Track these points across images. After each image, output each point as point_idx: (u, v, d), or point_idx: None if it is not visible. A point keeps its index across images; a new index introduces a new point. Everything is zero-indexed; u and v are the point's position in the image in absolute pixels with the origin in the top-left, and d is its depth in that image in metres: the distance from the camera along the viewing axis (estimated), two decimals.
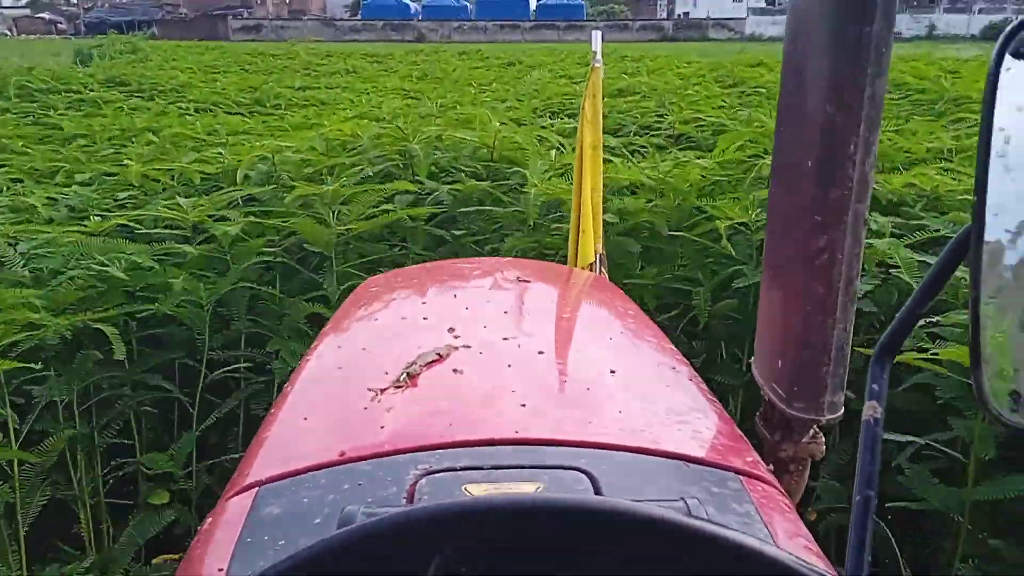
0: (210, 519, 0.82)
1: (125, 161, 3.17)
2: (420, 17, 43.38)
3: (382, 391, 0.98)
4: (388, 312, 1.39)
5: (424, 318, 1.27)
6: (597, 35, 2.31)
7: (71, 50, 15.94)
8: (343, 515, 0.67)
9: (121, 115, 5.30)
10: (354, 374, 1.09)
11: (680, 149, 4.21)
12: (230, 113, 6.15)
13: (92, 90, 6.79)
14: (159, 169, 2.98)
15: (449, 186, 3.08)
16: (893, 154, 3.33)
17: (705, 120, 4.47)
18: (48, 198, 2.94)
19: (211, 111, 6.13)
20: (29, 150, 3.70)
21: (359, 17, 45.40)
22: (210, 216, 2.63)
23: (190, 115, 5.76)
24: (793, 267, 1.13)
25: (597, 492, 0.76)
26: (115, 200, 2.79)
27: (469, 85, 8.02)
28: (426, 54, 16.23)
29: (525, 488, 0.76)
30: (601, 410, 0.97)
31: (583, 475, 0.79)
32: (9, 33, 44.75)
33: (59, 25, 48.22)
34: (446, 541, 0.48)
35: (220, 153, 3.28)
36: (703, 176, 2.97)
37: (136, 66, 10.04)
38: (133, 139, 3.90)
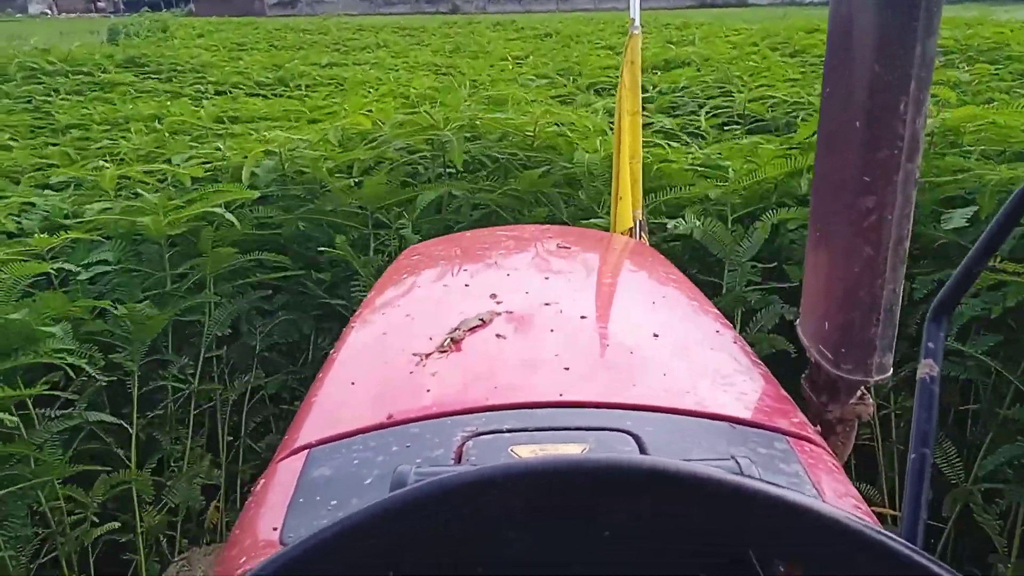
0: (263, 481, 0.83)
1: (99, 163, 2.74)
2: None
3: (427, 356, 0.99)
4: (431, 279, 1.40)
5: (466, 284, 1.27)
6: (635, 2, 2.28)
7: (107, 28, 15.70)
8: (396, 475, 0.65)
9: (129, 100, 4.91)
10: (399, 339, 1.09)
11: (749, 131, 3.68)
12: (252, 94, 5.74)
13: (106, 72, 6.41)
14: (146, 171, 2.54)
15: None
16: (1016, 134, 2.76)
17: (777, 97, 3.90)
18: (25, 203, 2.54)
19: (230, 93, 5.70)
20: (14, 143, 3.29)
21: None
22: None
23: (208, 97, 5.35)
24: (841, 227, 1.11)
25: (643, 453, 0.75)
26: (82, 209, 2.36)
27: (504, 60, 7.48)
28: (459, 26, 15.66)
29: (571, 450, 0.76)
30: (645, 372, 0.97)
31: (628, 436, 0.79)
32: (50, 12, 45.01)
33: (98, 3, 48.37)
34: (523, 499, 0.47)
35: (218, 148, 2.83)
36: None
37: (160, 45, 9.67)
38: (135, 129, 3.47)
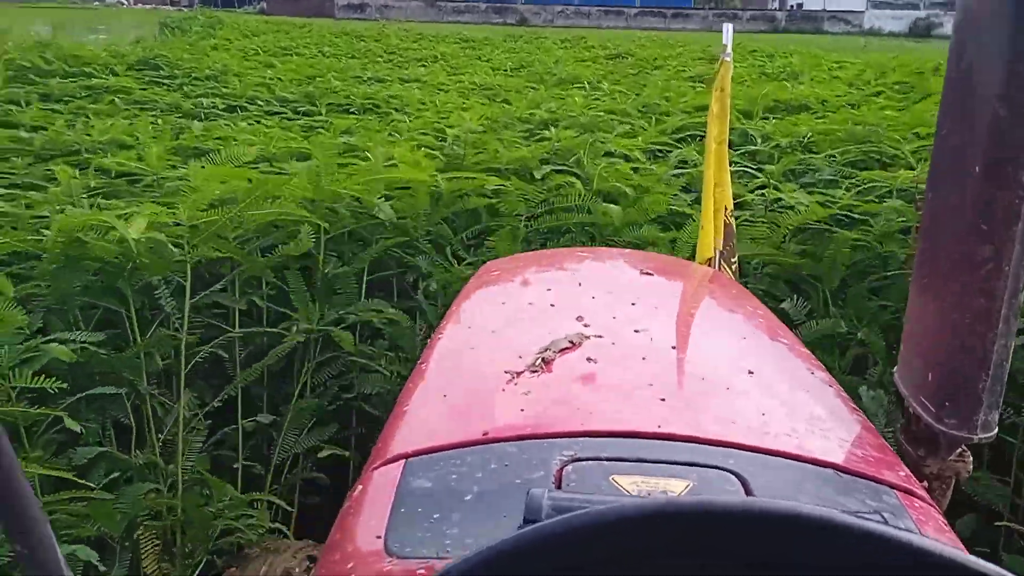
0: (359, 487, 0.83)
1: None
2: (524, 0, 42.01)
3: (518, 374, 0.98)
4: (514, 296, 1.38)
5: (551, 304, 1.26)
6: (729, 28, 2.26)
7: (158, 23, 15.19)
8: (529, 499, 0.62)
9: (113, 114, 3.99)
10: (486, 355, 1.09)
11: None
12: (271, 113, 4.79)
13: (114, 74, 5.55)
14: None
15: None
16: None
17: None
18: None
19: (244, 109, 4.77)
20: None
21: None
22: None
23: (210, 116, 4.41)
24: (952, 275, 1.09)
25: (749, 495, 0.75)
26: None
27: (576, 84, 6.42)
28: (526, 40, 14.73)
29: (674, 484, 0.75)
30: (743, 411, 0.93)
31: (733, 476, 0.78)
32: (125, 3, 45.64)
33: None
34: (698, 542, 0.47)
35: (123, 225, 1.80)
36: None
37: (192, 46, 8.85)
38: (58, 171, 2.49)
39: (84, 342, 1.55)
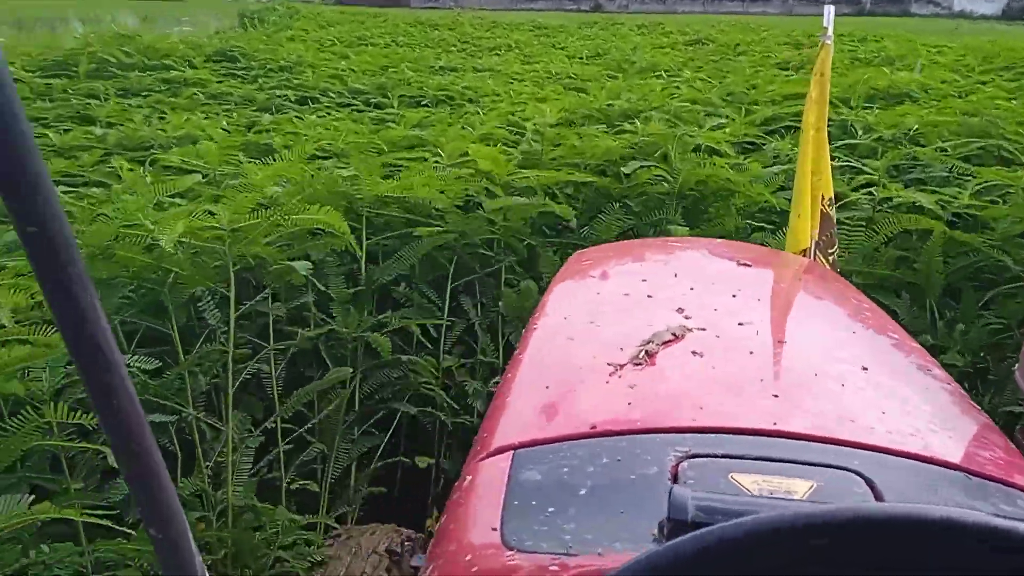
0: (468, 477, 0.83)
1: None
2: None
3: (621, 367, 0.96)
4: (609, 286, 1.36)
5: (648, 295, 1.23)
6: (830, 10, 2.16)
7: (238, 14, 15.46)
8: (673, 498, 0.60)
9: (194, 108, 3.97)
10: (587, 347, 1.06)
11: None
12: (343, 105, 4.72)
13: (193, 66, 5.57)
14: None
15: None
16: None
17: None
18: None
19: (316, 101, 4.71)
20: None
21: None
22: None
23: (283, 108, 4.36)
24: None
25: (877, 498, 0.72)
26: None
27: (654, 73, 6.16)
28: (601, 26, 14.42)
29: (797, 485, 0.72)
30: (862, 408, 0.89)
31: (859, 478, 0.74)
32: None
33: None
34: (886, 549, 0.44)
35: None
36: None
37: (269, 37, 8.91)
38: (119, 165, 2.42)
39: (131, 366, 1.46)
